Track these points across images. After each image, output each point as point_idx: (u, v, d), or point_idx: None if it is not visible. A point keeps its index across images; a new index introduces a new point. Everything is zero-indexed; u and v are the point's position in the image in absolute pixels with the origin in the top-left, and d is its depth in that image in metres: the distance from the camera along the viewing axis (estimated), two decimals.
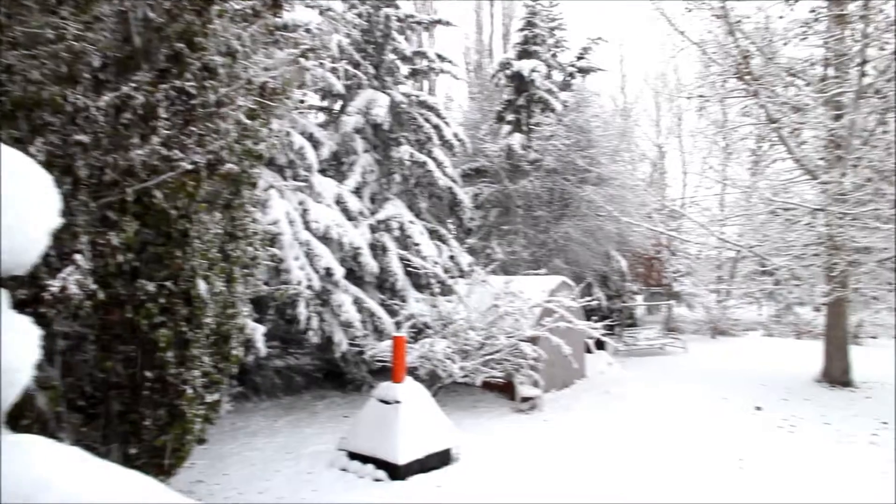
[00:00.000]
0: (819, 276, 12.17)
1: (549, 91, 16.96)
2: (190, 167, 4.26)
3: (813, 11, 11.74)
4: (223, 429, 9.25)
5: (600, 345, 14.72)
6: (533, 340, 10.35)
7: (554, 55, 19.46)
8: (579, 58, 19.95)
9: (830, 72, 11.75)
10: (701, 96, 12.69)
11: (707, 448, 8.62)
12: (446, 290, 11.17)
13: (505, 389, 11.26)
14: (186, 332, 4.52)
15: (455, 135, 13.22)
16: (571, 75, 19.66)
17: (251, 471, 7.72)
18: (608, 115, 19.65)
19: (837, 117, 10.89)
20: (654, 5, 11.53)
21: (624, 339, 17.51)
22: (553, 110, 16.31)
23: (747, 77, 11.26)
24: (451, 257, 12.27)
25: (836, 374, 12.56)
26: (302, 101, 7.39)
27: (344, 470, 7.59)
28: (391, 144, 12.33)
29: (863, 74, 10.75)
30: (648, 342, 17.56)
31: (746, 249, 12.33)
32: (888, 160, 10.48)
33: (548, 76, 17.82)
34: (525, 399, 10.89)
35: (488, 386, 11.15)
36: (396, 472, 7.26)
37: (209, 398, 4.99)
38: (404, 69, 13.32)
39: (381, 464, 7.38)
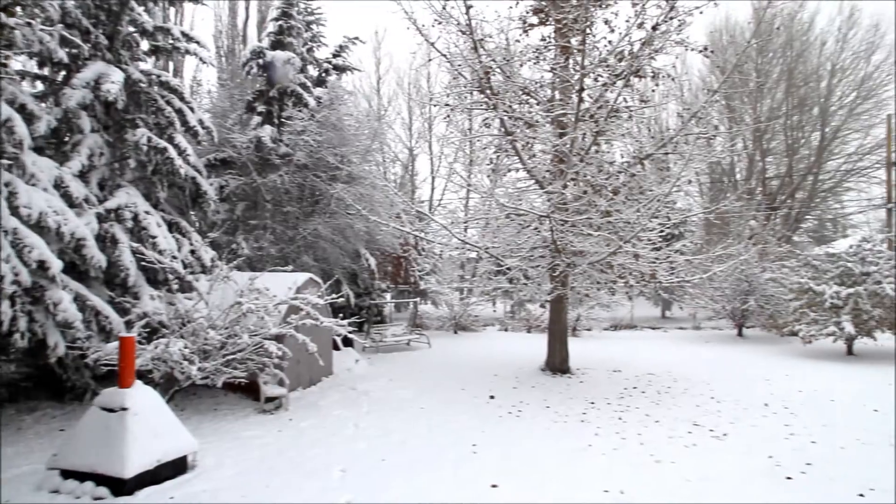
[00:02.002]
0: (544, 276, 13.69)
1: (303, 85, 16.72)
2: None
3: (544, 40, 13.19)
4: None
5: (348, 342, 14.91)
6: (278, 338, 10.10)
7: (310, 50, 19.24)
8: (335, 55, 19.97)
9: (557, 94, 13.30)
10: (447, 105, 13.47)
11: (444, 435, 9.20)
12: (186, 287, 10.40)
13: (249, 390, 10.85)
14: None
15: (200, 121, 12.37)
16: (326, 72, 19.61)
17: None
18: (362, 115, 19.98)
19: (561, 135, 12.36)
20: (406, 15, 11.93)
21: (372, 336, 17.97)
22: (306, 105, 16.11)
23: (488, 91, 12.23)
24: (193, 252, 11.46)
25: (557, 363, 14.25)
26: (4, 65, 6.29)
27: (55, 492, 6.66)
28: (126, 126, 11.13)
29: (580, 100, 12.34)
30: (395, 338, 18.26)
31: (484, 250, 13.40)
32: (599, 176, 12.17)
33: (302, 70, 17.56)
34: (270, 399, 10.61)
35: (231, 387, 10.64)
36: (122, 488, 6.57)
37: None
38: (144, 44, 12.11)
39: (103, 479, 6.61)
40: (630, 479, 7.34)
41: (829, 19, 29.81)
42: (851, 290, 16.21)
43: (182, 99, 12.03)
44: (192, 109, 12.16)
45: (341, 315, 11.80)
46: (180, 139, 11.67)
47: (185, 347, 9.09)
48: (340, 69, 20.10)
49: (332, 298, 11.73)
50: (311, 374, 12.42)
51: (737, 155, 31.75)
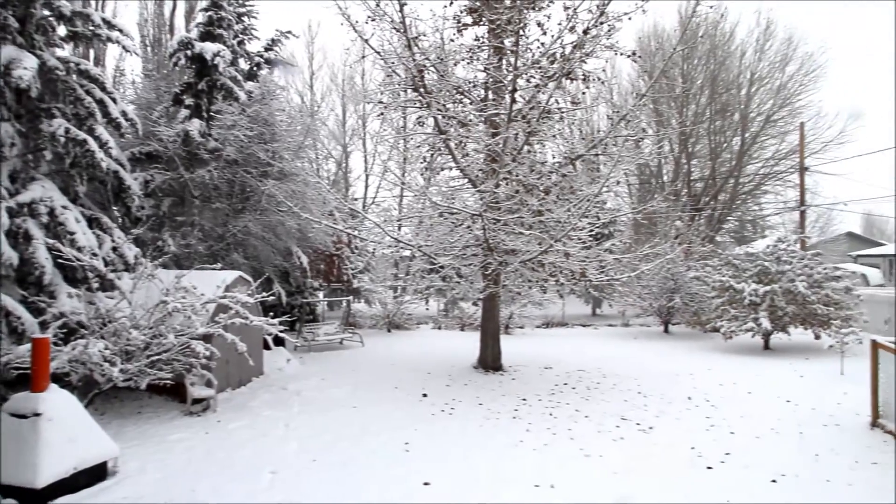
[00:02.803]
0: (477, 274, 13.79)
1: (234, 79, 16.24)
2: None
3: (477, 40, 13.28)
4: None
5: (280, 341, 14.62)
6: (206, 338, 9.81)
7: (241, 42, 18.72)
8: (267, 49, 19.53)
9: (490, 94, 13.42)
10: (381, 102, 13.39)
11: (377, 434, 9.16)
12: (107, 285, 9.95)
13: (175, 392, 10.50)
14: None
15: (124, 113, 11.85)
16: (258, 65, 19.15)
17: None
18: (294, 111, 19.61)
19: (494, 135, 12.48)
20: (339, 10, 11.78)
21: (304, 335, 17.69)
22: (237, 99, 15.66)
23: (422, 90, 12.21)
24: (115, 249, 10.97)
25: (490, 361, 14.38)
26: None
27: None
28: (41, 116, 10.53)
29: (513, 101, 12.49)
30: (328, 337, 18.03)
31: (417, 249, 13.39)
32: (531, 175, 12.35)
33: (233, 63, 17.07)
34: (197, 400, 10.30)
35: (156, 389, 10.26)
36: (35, 498, 6.24)
37: None
38: (62, 30, 11.50)
39: (12, 491, 6.27)
40: (560, 473, 7.50)
41: (748, 30, 31.22)
42: (768, 288, 17.03)
43: (103, 89, 11.49)
44: (114, 100, 11.64)
45: (272, 314, 11.55)
46: (101, 131, 11.14)
47: (106, 348, 8.71)
48: (272, 63, 19.67)
49: (263, 297, 11.46)
50: (241, 374, 12.12)
51: (664, 157, 32.85)
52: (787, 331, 17.44)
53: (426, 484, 7.13)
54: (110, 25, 11.86)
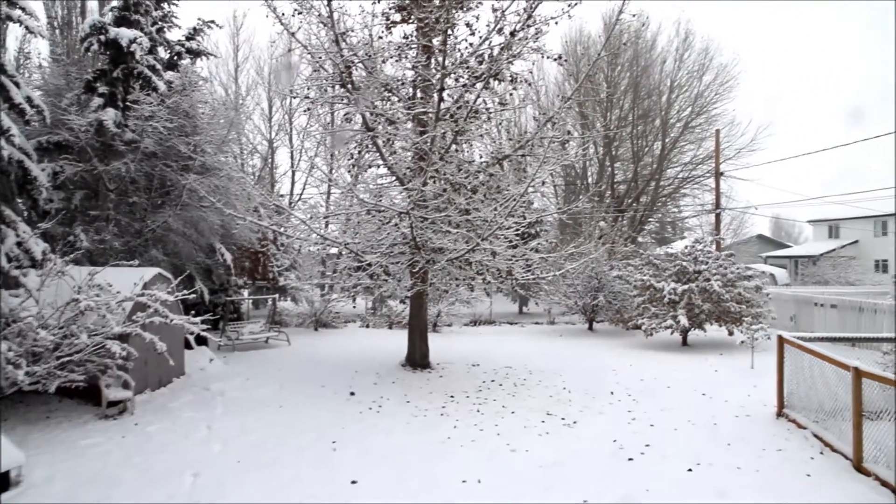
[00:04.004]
0: (404, 272, 13.73)
1: (153, 68, 15.55)
2: None
3: (406, 38, 13.22)
4: None
5: (202, 340, 14.13)
6: (123, 338, 9.36)
7: (160, 30, 17.97)
8: (189, 38, 18.86)
9: (418, 93, 13.39)
10: (307, 97, 13.12)
11: (303, 433, 8.99)
12: (11, 283, 9.34)
13: (89, 394, 9.98)
14: None
15: (28, 99, 11.16)
16: (179, 55, 18.45)
17: None
18: (218, 103, 19.00)
19: (422, 133, 12.47)
20: (265, 2, 11.45)
21: (228, 334, 17.18)
22: (156, 89, 15.00)
23: (350, 86, 12.06)
24: (20, 244, 10.31)
25: (418, 358, 14.36)
26: None
27: None
28: None
29: (441, 99, 12.51)
30: (253, 336, 17.57)
31: (344, 246, 13.21)
32: (458, 174, 12.40)
33: (151, 51, 16.34)
34: (113, 403, 9.82)
35: (66, 392, 9.71)
36: None
37: None
38: None
39: None
40: (487, 468, 7.56)
41: (668, 39, 32.53)
42: (686, 287, 17.75)
43: (4, 72, 10.79)
44: (17, 84, 10.94)
45: (194, 312, 11.15)
46: (3, 117, 10.46)
47: (10, 350, 8.17)
48: (195, 53, 19.01)
49: (184, 295, 11.01)
50: (161, 374, 11.64)
51: (588, 160, 33.81)
52: (703, 328, 18.22)
53: (354, 482, 7.05)
54: (11, 3, 11.13)
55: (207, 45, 18.99)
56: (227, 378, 12.81)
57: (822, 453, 8.17)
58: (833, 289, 27.20)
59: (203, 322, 10.63)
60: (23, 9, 11.23)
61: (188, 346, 13.39)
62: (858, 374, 7.67)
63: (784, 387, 10.11)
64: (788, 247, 50.72)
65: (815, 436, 8.76)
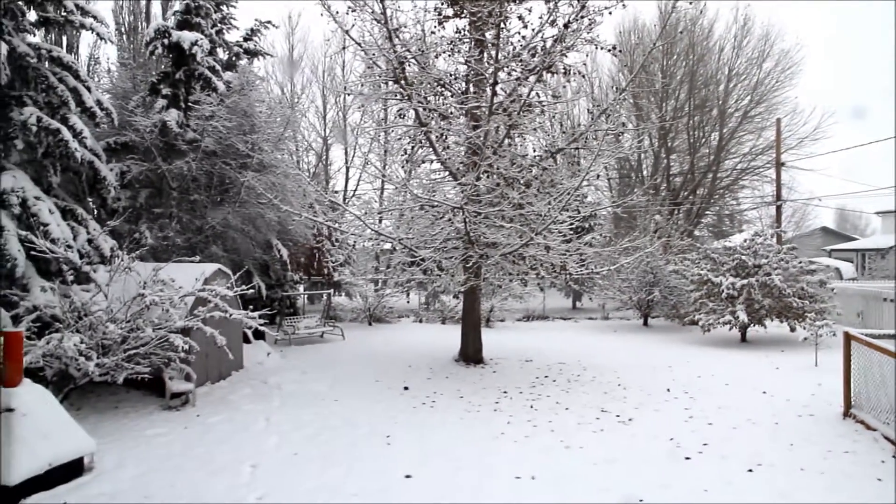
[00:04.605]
0: (458, 267, 13.77)
1: (212, 69, 16.02)
2: None
3: (458, 32, 13.22)
4: None
5: (259, 334, 14.50)
6: (185, 332, 9.69)
7: (219, 32, 18.47)
8: (247, 39, 19.31)
9: (471, 87, 13.37)
10: (361, 94, 13.28)
11: (358, 427, 9.13)
12: (82, 278, 9.79)
13: (153, 386, 10.37)
14: None
15: (98, 102, 11.64)
16: (237, 55, 18.92)
17: None
18: (274, 102, 19.40)
19: (475, 127, 12.45)
20: (319, 0, 11.63)
21: (284, 329, 17.58)
22: (215, 90, 15.45)
23: (403, 82, 12.13)
24: (90, 241, 10.80)
25: (471, 354, 14.39)
26: None
27: None
28: (11, 104, 10.31)
29: (494, 93, 12.46)
30: (308, 331, 17.92)
31: (398, 241, 13.34)
32: (512, 169, 12.34)
33: (211, 53, 16.84)
34: (176, 395, 10.18)
35: (133, 384, 10.11)
36: (7, 495, 6.12)
37: None
38: (32, 15, 11.26)
39: None
40: (540, 464, 7.53)
41: (726, 26, 31.46)
42: (745, 282, 17.23)
43: (77, 77, 11.28)
44: (88, 89, 11.43)
45: (252, 307, 11.47)
46: (75, 120, 10.95)
47: (82, 342, 8.57)
48: (252, 53, 19.46)
49: (243, 290, 11.31)
50: (221, 368, 12.00)
51: (643, 152, 33.13)
52: (763, 323, 17.67)
53: (408, 476, 7.12)
54: (84, 12, 11.63)
55: (264, 44, 19.39)
56: (284, 372, 13.12)
57: (894, 457, 7.82)
58: None
59: (260, 317, 10.91)
60: (94, 16, 11.72)
61: (246, 340, 13.76)
62: None
63: (851, 385, 9.70)
64: (855, 239, 48.52)
65: (886, 438, 8.38)
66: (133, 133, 14.61)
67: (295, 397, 11.01)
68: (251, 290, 11.88)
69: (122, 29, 23.95)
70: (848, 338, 9.80)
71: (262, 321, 10.93)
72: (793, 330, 17.64)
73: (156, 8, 24.65)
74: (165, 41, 15.41)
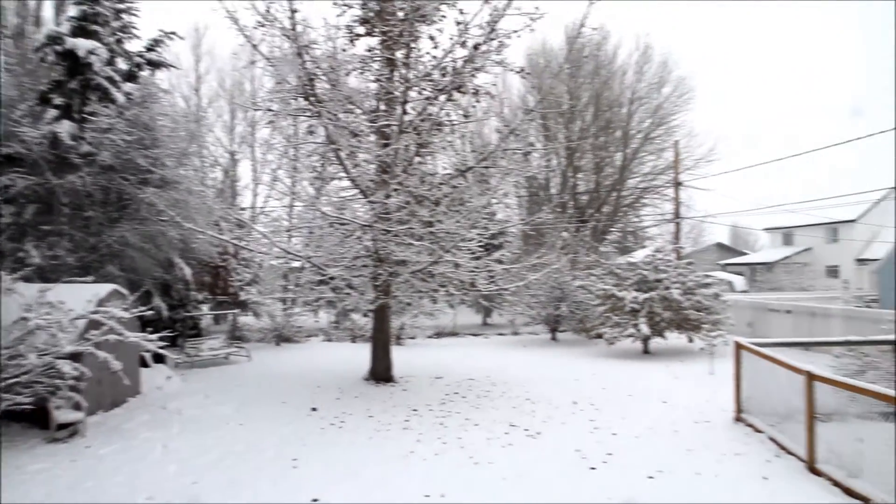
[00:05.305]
0: (367, 285, 13.65)
1: (111, 79, 15.26)
2: None
3: (370, 51, 13.21)
4: None
5: (160, 358, 13.82)
6: (75, 357, 9.09)
7: (119, 41, 17.62)
8: (149, 49, 18.52)
9: (381, 105, 13.37)
10: (270, 110, 13.01)
11: (264, 451, 8.83)
12: None
13: (37, 417, 9.61)
14: None
15: None
16: (139, 66, 18.12)
17: None
18: (178, 115, 18.68)
19: (385, 145, 12.44)
20: (227, 14, 11.36)
21: (187, 351, 16.81)
22: (114, 101, 14.72)
23: (313, 99, 11.98)
24: None
25: (381, 372, 14.25)
26: None
27: None
28: None
29: (404, 112, 12.52)
30: (213, 352, 17.21)
31: (306, 260, 13.09)
32: (422, 187, 12.40)
33: (110, 62, 16.04)
34: (63, 426, 9.51)
35: (13, 416, 9.33)
36: None
37: None
38: None
39: None
40: (450, 481, 7.53)
41: (629, 53, 33.22)
42: (647, 295, 18.01)
43: None
44: None
45: (151, 329, 10.90)
46: None
47: None
48: (155, 64, 18.68)
49: (141, 311, 10.75)
50: (115, 394, 11.32)
51: (551, 171, 34.18)
52: (663, 335, 18.49)
53: (315, 500, 6.95)
54: None
55: (168, 56, 18.64)
56: (186, 396, 12.53)
57: (778, 456, 8.37)
58: (788, 294, 27.94)
59: (160, 339, 10.40)
60: None
61: (144, 364, 13.07)
62: (811, 378, 7.87)
63: (741, 392, 10.32)
64: (745, 254, 51.95)
65: (772, 439, 8.96)
66: (19, 144, 13.67)
67: (197, 422, 10.53)
68: (150, 312, 11.32)
69: (6, 32, 22.40)
70: (738, 347, 10.41)
71: (161, 343, 10.41)
72: (690, 341, 18.57)
73: (48, 12, 23.21)
74: (58, 48, 14.58)
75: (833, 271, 39.74)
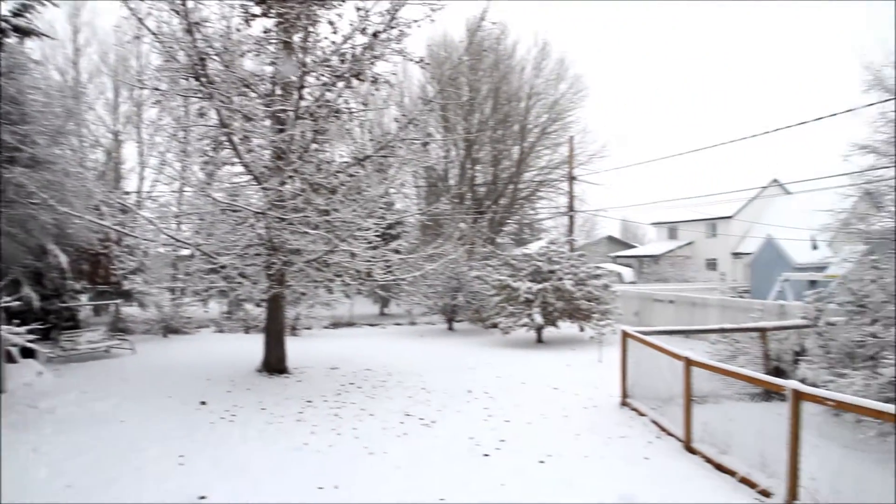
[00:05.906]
0: (260, 275, 13.25)
1: None
2: None
3: (266, 32, 12.75)
4: None
5: (29, 352, 12.80)
6: None
7: None
8: (16, 14, 16.96)
9: (277, 90, 12.96)
10: (157, 89, 12.28)
11: (147, 449, 8.39)
12: None
13: None
14: None
15: None
16: (3, 32, 16.57)
17: None
18: (53, 90, 17.27)
19: (280, 131, 12.08)
20: None
21: (62, 344, 15.67)
22: None
23: (204, 79, 11.43)
24: None
25: (274, 363, 13.90)
26: None
27: None
28: None
29: (301, 97, 12.20)
30: (92, 345, 16.14)
31: (196, 248, 12.53)
32: (318, 174, 12.14)
33: None
34: None
35: None
36: None
37: None
38: None
39: None
40: (344, 472, 7.48)
41: (527, 49, 34.07)
42: (541, 286, 18.60)
43: None
44: None
45: (19, 321, 10.08)
46: None
47: None
48: (23, 32, 17.13)
49: (7, 302, 9.91)
50: None
51: (450, 162, 34.49)
52: (556, 325, 19.18)
53: (202, 497, 6.69)
54: None
55: (41, 24, 17.17)
56: (60, 393, 11.68)
57: (658, 437, 8.91)
58: (672, 286, 29.73)
59: (30, 332, 9.64)
60: None
61: (11, 359, 12.07)
62: (689, 364, 8.42)
63: (627, 378, 10.89)
64: (634, 247, 54.77)
65: (654, 422, 9.53)
66: None
67: (71, 422, 9.84)
68: (17, 302, 10.45)
69: None
70: (624, 335, 10.97)
71: (31, 337, 9.66)
72: (582, 329, 19.38)
73: None
74: None
75: (712, 264, 42.60)
